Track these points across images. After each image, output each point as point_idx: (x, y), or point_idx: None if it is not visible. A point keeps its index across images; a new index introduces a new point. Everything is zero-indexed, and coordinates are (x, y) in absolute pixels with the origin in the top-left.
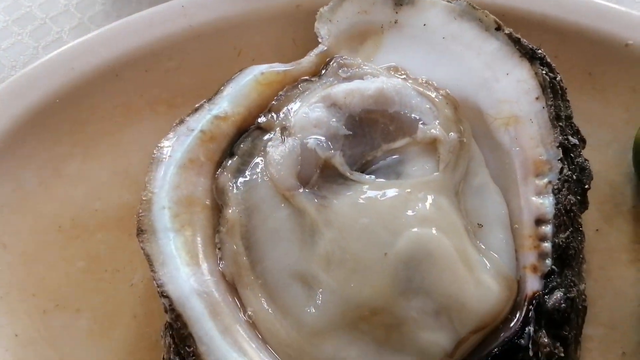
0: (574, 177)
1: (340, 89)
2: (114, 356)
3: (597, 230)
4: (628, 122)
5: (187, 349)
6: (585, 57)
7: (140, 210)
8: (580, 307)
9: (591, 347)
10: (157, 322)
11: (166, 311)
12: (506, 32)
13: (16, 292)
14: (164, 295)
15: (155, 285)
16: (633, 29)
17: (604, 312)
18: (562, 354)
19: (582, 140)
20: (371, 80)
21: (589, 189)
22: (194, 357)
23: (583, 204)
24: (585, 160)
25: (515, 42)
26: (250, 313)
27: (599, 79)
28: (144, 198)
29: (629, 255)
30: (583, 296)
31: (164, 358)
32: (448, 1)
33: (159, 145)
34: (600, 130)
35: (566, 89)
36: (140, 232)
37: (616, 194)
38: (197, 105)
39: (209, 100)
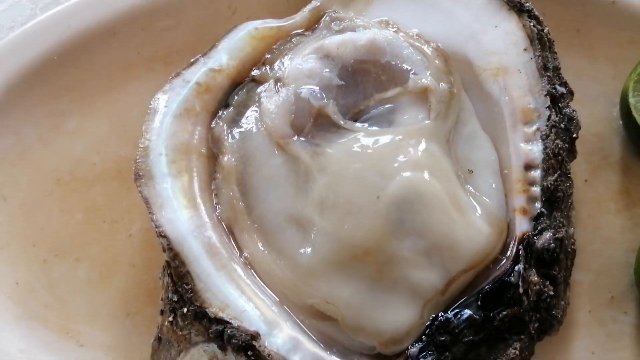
0: (562, 125)
1: (333, 40)
2: (112, 303)
3: (585, 180)
4: (615, 77)
5: (185, 287)
6: (572, 14)
7: (138, 157)
8: (569, 249)
9: (580, 292)
10: (155, 270)
11: (164, 250)
12: None
13: (17, 243)
14: (162, 235)
15: (154, 226)
16: None
17: (593, 259)
18: (552, 292)
19: (570, 92)
20: (363, 31)
21: (576, 138)
22: (192, 294)
23: (571, 153)
24: (573, 110)
25: None
26: (246, 255)
27: (587, 36)
28: (141, 146)
29: (616, 204)
30: (572, 239)
31: (162, 298)
32: None
33: (156, 96)
34: (588, 86)
35: (554, 40)
36: (138, 177)
37: (604, 146)
38: (192, 60)
39: (205, 54)
